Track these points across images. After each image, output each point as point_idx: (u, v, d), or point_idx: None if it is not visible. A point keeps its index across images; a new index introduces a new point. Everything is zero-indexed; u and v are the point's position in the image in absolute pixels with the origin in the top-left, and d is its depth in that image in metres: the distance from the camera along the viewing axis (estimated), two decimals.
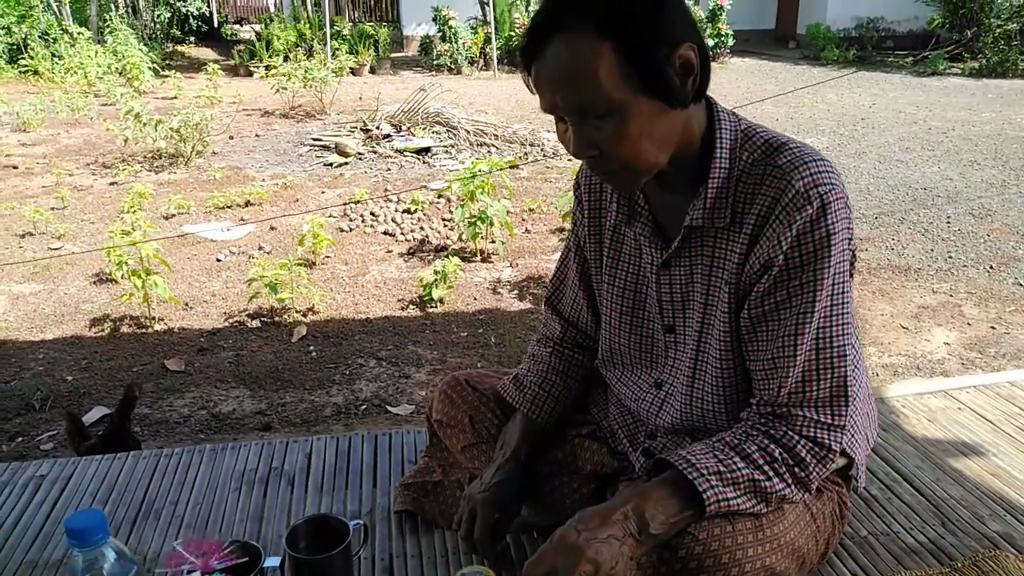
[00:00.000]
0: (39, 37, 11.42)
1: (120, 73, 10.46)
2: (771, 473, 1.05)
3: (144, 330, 3.62)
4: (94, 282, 4.14)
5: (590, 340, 1.40)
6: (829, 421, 1.06)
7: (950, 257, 4.37)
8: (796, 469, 1.05)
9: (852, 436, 1.18)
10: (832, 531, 1.24)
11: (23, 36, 11.48)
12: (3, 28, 11.39)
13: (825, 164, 1.04)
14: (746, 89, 10.72)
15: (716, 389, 1.16)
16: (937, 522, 1.51)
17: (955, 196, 5.44)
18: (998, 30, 11.73)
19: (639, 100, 0.97)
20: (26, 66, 10.79)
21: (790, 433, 1.06)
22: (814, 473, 1.06)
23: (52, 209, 5.21)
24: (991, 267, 4.21)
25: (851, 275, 1.09)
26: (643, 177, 1.05)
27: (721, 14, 13.58)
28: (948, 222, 4.92)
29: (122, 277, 3.89)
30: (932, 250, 4.48)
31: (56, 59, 10.77)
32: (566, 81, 0.97)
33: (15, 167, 6.47)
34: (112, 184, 5.97)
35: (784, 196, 1.02)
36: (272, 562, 1.29)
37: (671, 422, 1.24)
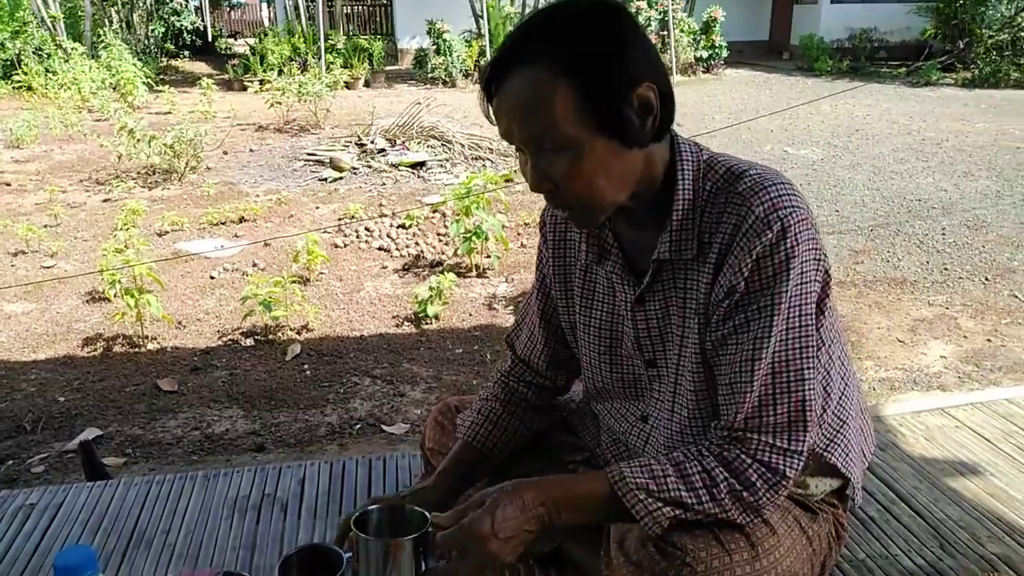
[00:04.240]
0: (33, 53, 11.43)
1: (114, 88, 10.48)
2: (705, 497, 1.03)
3: (137, 349, 3.60)
4: (87, 301, 4.12)
5: (540, 378, 1.38)
6: (785, 446, 1.04)
7: (946, 269, 4.37)
8: (745, 494, 1.03)
9: (846, 456, 1.17)
10: (828, 552, 1.23)
11: (17, 52, 11.49)
12: None
13: (786, 188, 1.02)
14: (741, 100, 10.77)
15: (694, 421, 1.14)
16: (935, 544, 1.50)
17: (950, 207, 5.46)
18: (989, 41, 11.82)
19: (594, 138, 0.98)
20: (20, 82, 10.80)
21: (742, 456, 1.04)
22: (764, 498, 1.04)
23: (45, 226, 5.19)
24: (987, 279, 4.21)
25: (826, 295, 1.07)
26: (600, 214, 1.05)
27: (715, 26, 13.67)
28: (943, 233, 4.93)
29: (115, 296, 3.87)
30: (928, 262, 4.49)
31: (50, 75, 10.78)
32: (522, 112, 0.98)
33: (8, 184, 6.46)
34: (105, 201, 5.96)
35: (745, 222, 1.01)
36: None
37: (655, 454, 1.22)
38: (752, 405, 1.03)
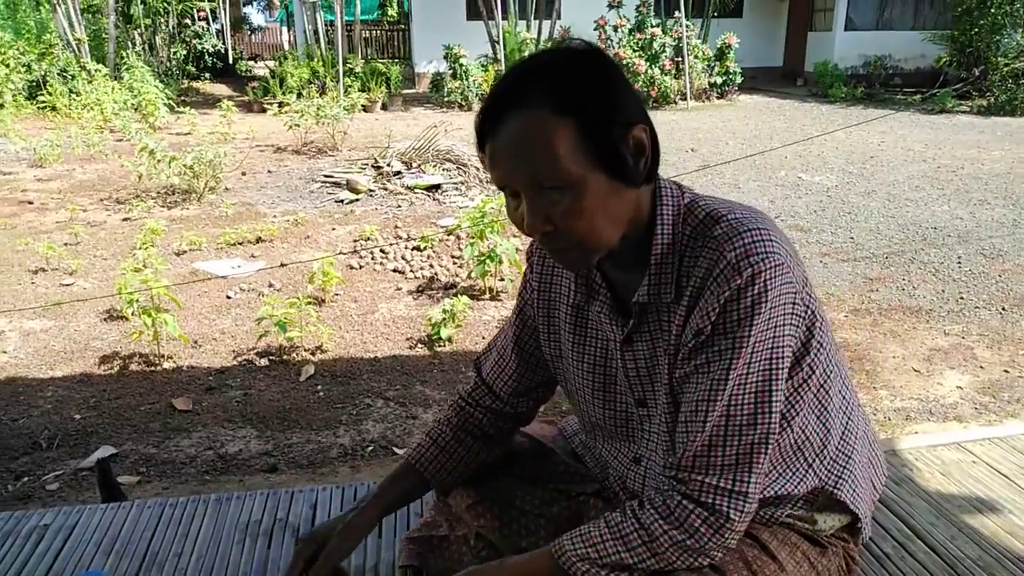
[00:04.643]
0: (58, 74, 11.64)
1: (136, 109, 10.64)
2: (645, 554, 1.04)
3: (153, 368, 3.62)
4: (105, 319, 4.16)
5: (500, 403, 1.37)
6: (728, 487, 1.02)
7: (961, 298, 4.34)
8: (689, 541, 1.03)
9: (854, 491, 1.16)
10: None
11: (42, 73, 11.72)
12: (24, 66, 11.62)
13: (762, 233, 1.01)
14: (755, 126, 10.79)
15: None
16: None
17: (966, 236, 5.43)
18: (1005, 68, 11.80)
19: (596, 176, 0.98)
20: (44, 102, 11.00)
21: (684, 502, 1.03)
22: (710, 543, 1.03)
23: (65, 245, 5.26)
24: (1003, 308, 4.18)
25: (813, 336, 1.06)
26: (594, 256, 1.05)
27: (729, 52, 13.74)
28: (959, 262, 4.90)
29: (132, 314, 3.91)
30: (943, 291, 4.45)
31: (73, 95, 10.98)
32: (523, 153, 0.98)
33: (30, 202, 6.56)
34: (125, 220, 6.04)
35: (716, 267, 1.01)
36: None
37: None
38: (701, 445, 1.03)
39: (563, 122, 0.96)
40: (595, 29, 12.98)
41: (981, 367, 3.55)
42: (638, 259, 1.09)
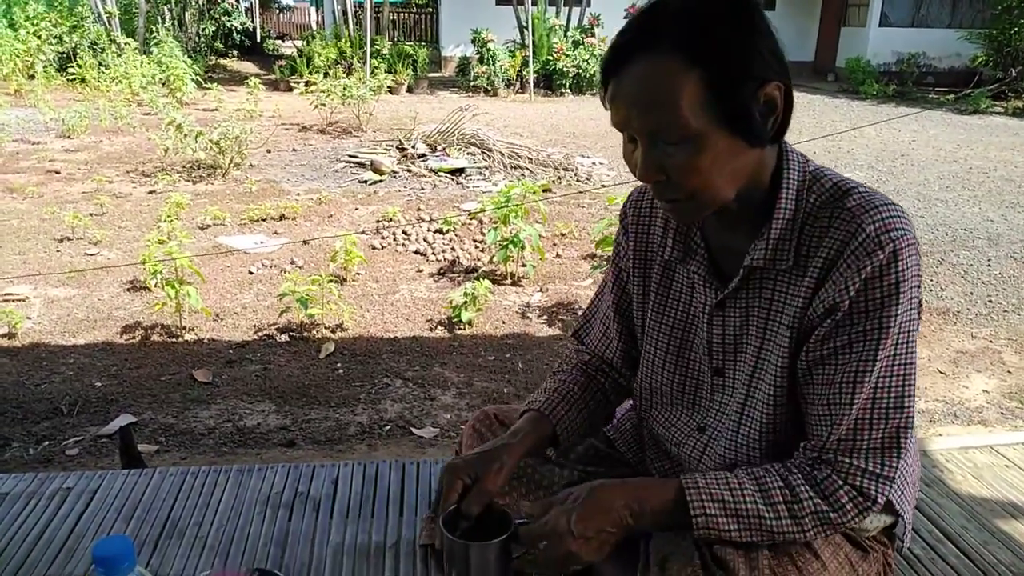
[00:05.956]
0: (88, 47, 11.71)
1: (163, 84, 10.69)
2: (783, 513, 1.02)
3: (174, 339, 3.64)
4: (128, 289, 4.18)
5: (616, 374, 1.35)
6: (877, 471, 1.01)
7: (990, 301, 4.26)
8: (832, 515, 1.01)
9: (901, 494, 1.14)
10: None
11: (73, 46, 11.80)
12: (55, 38, 11.70)
13: (896, 209, 0.99)
14: None
15: (763, 435, 1.11)
16: None
17: (996, 238, 5.32)
18: None
19: (718, 132, 0.94)
20: (74, 74, 11.07)
21: (833, 477, 1.02)
22: (852, 522, 1.03)
23: (91, 215, 5.29)
24: None
25: (918, 323, 1.04)
26: (706, 210, 1.02)
27: None
28: (989, 265, 4.81)
29: (155, 286, 3.93)
30: (972, 293, 4.38)
31: (103, 68, 11.04)
32: (645, 100, 0.94)
33: (58, 172, 6.61)
34: (150, 192, 6.07)
35: (854, 240, 0.98)
36: None
37: (714, 468, 1.19)
38: (847, 428, 1.01)
39: (691, 74, 0.91)
40: (624, 17, 12.83)
41: (1009, 372, 3.48)
42: (751, 221, 1.05)
